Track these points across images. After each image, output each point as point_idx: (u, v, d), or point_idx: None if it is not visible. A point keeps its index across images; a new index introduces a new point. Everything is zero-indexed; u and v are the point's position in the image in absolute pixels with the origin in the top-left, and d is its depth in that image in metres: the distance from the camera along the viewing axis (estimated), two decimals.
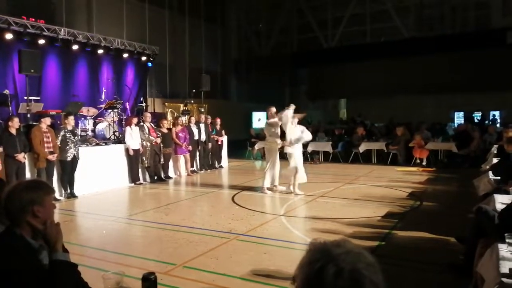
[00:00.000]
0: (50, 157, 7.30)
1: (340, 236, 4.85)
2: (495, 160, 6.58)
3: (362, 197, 7.50)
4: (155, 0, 16.09)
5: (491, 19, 16.84)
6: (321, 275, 0.93)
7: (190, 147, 10.52)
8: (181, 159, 10.53)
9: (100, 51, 12.01)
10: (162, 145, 9.80)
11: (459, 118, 20.52)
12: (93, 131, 9.66)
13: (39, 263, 1.81)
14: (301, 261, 1.00)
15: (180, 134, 10.31)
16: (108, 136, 9.76)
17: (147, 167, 9.55)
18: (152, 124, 9.88)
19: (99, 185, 8.40)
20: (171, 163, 10.34)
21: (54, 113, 8.92)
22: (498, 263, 2.50)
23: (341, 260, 0.94)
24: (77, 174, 7.92)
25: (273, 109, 8.12)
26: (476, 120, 18.55)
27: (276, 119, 7.91)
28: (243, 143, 15.15)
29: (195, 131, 10.99)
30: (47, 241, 1.83)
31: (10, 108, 8.71)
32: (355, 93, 21.30)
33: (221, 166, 12.23)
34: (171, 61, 16.97)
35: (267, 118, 8.34)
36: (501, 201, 3.92)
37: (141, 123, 9.55)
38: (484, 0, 17.14)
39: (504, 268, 2.41)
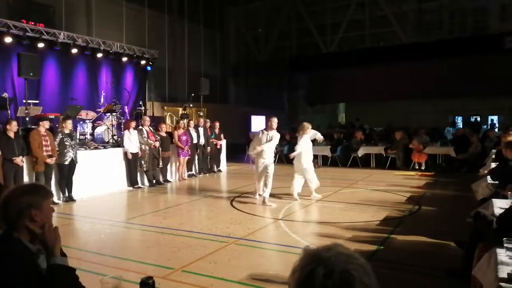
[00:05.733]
0: (49, 160, 7.28)
1: (339, 240, 4.85)
2: (493, 165, 6.59)
3: (361, 201, 7.50)
4: (155, 4, 16.12)
5: (489, 25, 16.92)
6: (312, 277, 0.94)
7: (189, 151, 10.52)
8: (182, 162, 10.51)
9: (99, 55, 12.03)
10: (160, 149, 9.79)
11: (458, 122, 20.60)
12: (92, 134, 9.66)
13: (37, 267, 1.80)
14: (293, 267, 1.00)
15: (182, 137, 10.32)
16: (106, 140, 9.75)
17: (146, 171, 9.53)
18: (151, 128, 9.88)
19: (97, 189, 8.38)
20: (169, 166, 10.34)
21: (53, 116, 8.92)
22: (496, 267, 2.50)
23: (331, 262, 0.95)
24: (76, 178, 7.90)
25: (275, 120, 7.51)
26: (472, 119, 18.66)
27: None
28: (242, 147, 15.15)
29: (194, 135, 10.99)
30: (45, 245, 1.83)
31: (9, 112, 8.70)
32: (354, 97, 21.35)
33: (219, 170, 12.22)
34: (170, 65, 16.99)
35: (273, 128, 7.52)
36: (499, 205, 3.92)
37: (140, 127, 9.55)
38: (482, 6, 17.21)
39: (503, 272, 2.41)
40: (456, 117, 21.26)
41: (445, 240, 4.97)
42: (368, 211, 6.71)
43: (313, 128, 8.19)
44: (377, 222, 5.99)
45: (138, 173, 9.47)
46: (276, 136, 7.42)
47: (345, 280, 0.93)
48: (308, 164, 7.78)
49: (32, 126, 7.99)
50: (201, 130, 11.30)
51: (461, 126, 18.44)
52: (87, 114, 9.96)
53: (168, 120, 13.25)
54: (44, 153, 7.23)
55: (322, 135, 14.59)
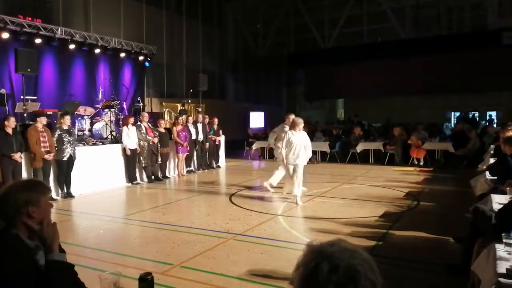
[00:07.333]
0: (47, 156, 7.27)
1: (337, 236, 4.85)
2: (491, 160, 6.60)
3: (360, 197, 7.51)
4: (152, 0, 16.04)
5: (486, 20, 16.90)
6: (316, 272, 0.94)
7: (188, 147, 10.51)
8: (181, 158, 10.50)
9: (97, 51, 11.98)
10: (159, 145, 9.78)
11: (455, 118, 20.61)
12: (90, 130, 9.64)
13: (35, 263, 1.79)
14: (297, 263, 1.01)
15: (181, 133, 10.30)
16: (105, 136, 9.73)
17: (144, 167, 9.52)
18: (150, 124, 9.86)
19: (96, 185, 8.37)
20: (168, 163, 10.32)
21: (51, 112, 8.90)
22: (495, 263, 2.50)
23: (335, 257, 0.95)
24: (74, 174, 7.89)
25: (291, 116, 7.55)
26: (470, 115, 18.71)
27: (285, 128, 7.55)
28: (241, 143, 15.15)
29: (193, 131, 10.98)
30: (44, 241, 1.82)
31: (7, 108, 8.68)
32: (352, 93, 21.31)
33: (218, 166, 12.22)
34: (169, 60, 16.93)
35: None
36: (498, 201, 3.93)
37: (138, 123, 9.53)
38: (480, 1, 17.20)
39: (501, 268, 2.41)
40: (454, 113, 21.26)
41: (444, 235, 4.98)
42: (367, 207, 6.71)
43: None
44: (376, 217, 6.00)
45: (137, 169, 9.46)
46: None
47: (350, 275, 0.93)
48: (295, 161, 7.08)
49: (30, 122, 7.96)
50: (199, 126, 11.28)
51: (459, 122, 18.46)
52: (85, 110, 9.94)
53: (166, 116, 13.22)
54: (42, 149, 7.21)
55: (320, 131, 14.73)
